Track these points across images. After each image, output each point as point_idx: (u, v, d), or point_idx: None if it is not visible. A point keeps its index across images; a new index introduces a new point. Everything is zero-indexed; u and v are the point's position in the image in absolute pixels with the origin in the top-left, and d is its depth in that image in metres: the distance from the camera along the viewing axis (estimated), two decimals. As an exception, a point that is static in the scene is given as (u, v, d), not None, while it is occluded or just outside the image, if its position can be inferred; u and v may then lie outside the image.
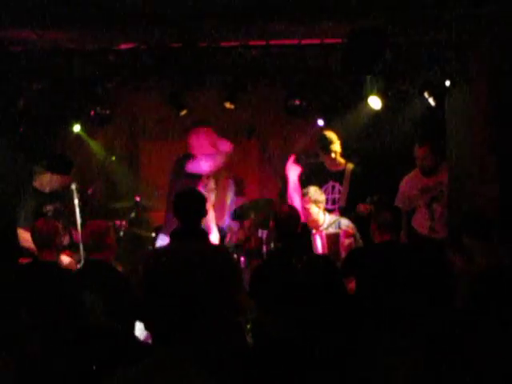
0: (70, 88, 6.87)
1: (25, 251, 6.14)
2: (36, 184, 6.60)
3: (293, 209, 5.54)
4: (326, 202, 7.01)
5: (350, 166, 7.22)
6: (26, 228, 6.15)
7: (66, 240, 6.36)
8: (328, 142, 7.20)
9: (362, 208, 6.80)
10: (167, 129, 8.62)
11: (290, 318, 4.57)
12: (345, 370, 4.15)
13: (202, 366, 2.74)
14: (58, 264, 5.36)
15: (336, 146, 7.18)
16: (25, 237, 6.13)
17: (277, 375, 3.94)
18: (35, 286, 4.88)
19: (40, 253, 5.20)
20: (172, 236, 4.94)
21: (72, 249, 6.28)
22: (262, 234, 7.36)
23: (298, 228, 5.25)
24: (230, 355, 4.25)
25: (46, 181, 6.62)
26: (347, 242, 6.35)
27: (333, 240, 6.40)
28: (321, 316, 4.62)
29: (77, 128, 7.76)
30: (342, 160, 7.26)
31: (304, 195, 6.61)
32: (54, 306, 4.71)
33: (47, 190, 6.60)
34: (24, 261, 5.90)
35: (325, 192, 7.05)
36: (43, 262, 5.16)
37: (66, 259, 6.13)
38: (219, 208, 7.74)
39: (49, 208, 6.50)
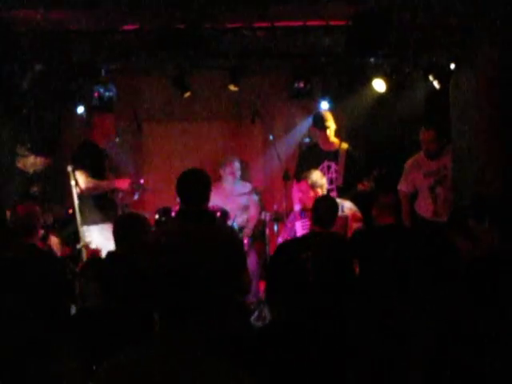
0: (73, 69, 6.86)
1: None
2: (20, 165, 6.60)
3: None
4: (324, 183, 7.02)
5: (345, 145, 7.22)
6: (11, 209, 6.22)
7: (49, 219, 6.37)
8: (323, 119, 7.20)
9: (361, 186, 6.80)
10: (171, 111, 8.59)
11: (302, 302, 4.56)
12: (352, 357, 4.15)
13: (206, 348, 2.74)
14: (38, 246, 5.30)
15: (331, 123, 7.17)
16: None
17: (282, 358, 3.95)
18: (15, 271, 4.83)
19: (21, 238, 5.14)
20: (176, 217, 4.92)
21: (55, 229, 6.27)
22: (265, 216, 7.36)
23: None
24: (234, 337, 4.25)
25: (30, 162, 6.63)
26: (355, 226, 6.33)
27: (341, 223, 6.39)
28: (332, 301, 4.62)
29: (80, 110, 7.75)
30: (335, 139, 7.25)
31: (302, 179, 6.58)
32: (42, 290, 4.68)
33: (31, 171, 6.60)
34: None
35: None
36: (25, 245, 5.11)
37: (54, 240, 6.15)
38: (224, 192, 7.74)
39: (34, 189, 6.51)
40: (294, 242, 5.48)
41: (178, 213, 5.00)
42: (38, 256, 4.99)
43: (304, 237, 5.57)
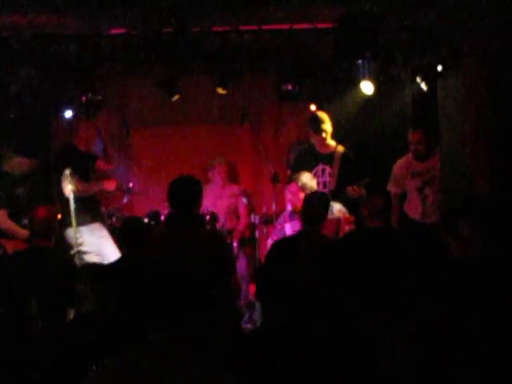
0: (61, 74, 6.85)
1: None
2: (6, 167, 6.58)
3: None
4: (317, 185, 7.01)
5: (340, 148, 7.20)
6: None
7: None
8: (319, 121, 7.17)
9: (351, 191, 6.78)
10: (159, 114, 8.59)
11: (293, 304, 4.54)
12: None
13: (197, 352, 2.74)
14: (53, 250, 5.37)
15: (327, 126, 7.14)
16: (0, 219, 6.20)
17: (273, 362, 3.94)
18: (32, 272, 4.88)
19: (37, 240, 5.20)
20: (166, 221, 4.93)
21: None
22: (255, 219, 7.36)
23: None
24: (225, 341, 4.25)
25: (16, 164, 6.60)
26: (347, 228, 6.34)
27: (334, 226, 6.39)
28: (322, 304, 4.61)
29: (68, 114, 7.73)
30: (332, 142, 7.24)
31: (292, 180, 6.58)
32: (50, 292, 4.72)
33: (17, 173, 6.58)
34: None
35: (315, 175, 7.05)
36: (40, 248, 5.16)
37: None
38: (213, 194, 7.74)
39: (20, 191, 6.50)
40: (285, 243, 5.47)
41: (166, 217, 5.02)
42: (53, 259, 5.09)
43: (295, 237, 5.57)
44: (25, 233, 6.12)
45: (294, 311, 4.08)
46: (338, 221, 6.38)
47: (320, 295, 4.32)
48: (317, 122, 7.18)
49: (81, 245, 6.23)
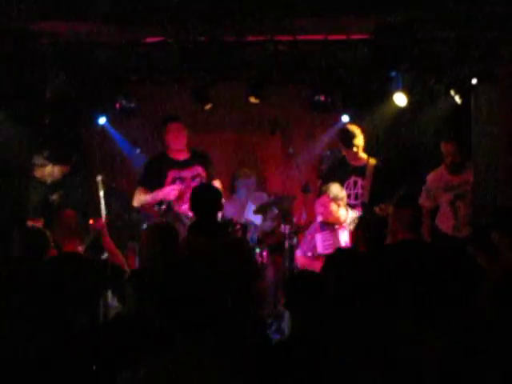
0: (96, 80, 6.93)
1: None
2: (37, 175, 6.65)
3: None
4: (349, 197, 7.00)
5: (373, 161, 7.17)
6: (34, 219, 6.27)
7: None
8: (350, 136, 7.14)
9: (378, 211, 6.76)
10: (192, 122, 8.63)
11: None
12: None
13: (223, 361, 2.75)
14: (81, 254, 5.42)
15: (358, 140, 7.11)
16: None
17: (299, 373, 3.93)
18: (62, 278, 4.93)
19: (67, 243, 5.25)
20: (189, 230, 4.97)
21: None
22: (285, 229, 7.36)
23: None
24: (251, 350, 4.25)
25: (48, 172, 6.67)
26: None
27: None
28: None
29: (102, 120, 7.81)
30: (364, 155, 7.22)
31: (323, 192, 6.57)
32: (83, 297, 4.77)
33: (49, 180, 6.65)
34: None
35: (347, 187, 7.05)
36: (69, 254, 5.22)
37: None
38: (239, 204, 7.78)
39: (53, 197, 6.57)
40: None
41: (190, 226, 5.08)
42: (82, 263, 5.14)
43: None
44: None
45: (325, 321, 4.07)
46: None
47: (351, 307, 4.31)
48: (348, 137, 7.15)
49: None
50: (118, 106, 7.43)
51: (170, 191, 6.94)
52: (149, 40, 6.29)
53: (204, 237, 4.85)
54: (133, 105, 7.49)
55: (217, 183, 6.93)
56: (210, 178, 7.14)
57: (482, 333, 3.73)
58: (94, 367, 3.39)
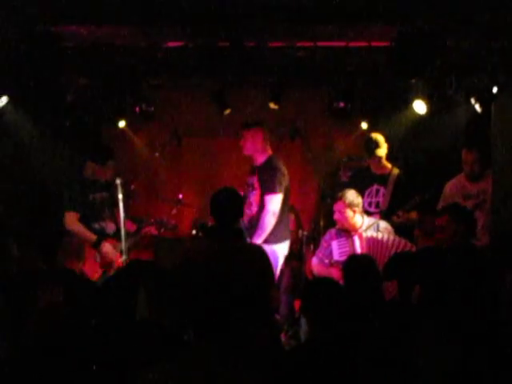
0: (116, 84, 6.97)
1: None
2: (84, 173, 6.72)
3: None
4: (370, 205, 6.99)
5: (396, 170, 7.15)
6: (70, 212, 6.34)
7: (111, 228, 6.51)
8: (374, 145, 7.11)
9: (396, 219, 6.74)
10: (211, 127, 8.67)
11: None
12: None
13: (237, 363, 2.75)
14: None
15: (382, 150, 7.07)
16: (69, 220, 6.32)
17: (313, 379, 3.92)
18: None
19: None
20: (207, 234, 4.96)
21: (117, 238, 6.38)
22: (302, 235, 7.36)
23: None
24: (263, 352, 4.25)
25: (90, 170, 6.73)
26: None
27: (374, 243, 6.37)
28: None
29: (121, 124, 7.85)
30: (387, 164, 7.20)
31: (339, 198, 6.55)
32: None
33: (91, 179, 6.71)
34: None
35: (368, 195, 7.04)
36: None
37: (107, 246, 6.28)
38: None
39: (95, 197, 6.61)
40: None
41: (208, 230, 5.06)
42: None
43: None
44: (93, 237, 6.26)
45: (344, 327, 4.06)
46: (378, 240, 6.35)
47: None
48: (372, 146, 7.11)
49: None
50: (137, 109, 7.46)
51: None
52: (169, 44, 6.32)
53: (220, 241, 4.83)
54: (152, 108, 7.52)
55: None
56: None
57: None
58: (94, 367, 3.39)
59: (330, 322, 4.08)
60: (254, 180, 6.82)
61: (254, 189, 6.82)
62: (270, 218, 6.55)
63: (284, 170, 6.74)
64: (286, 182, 6.69)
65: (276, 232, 6.62)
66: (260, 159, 6.82)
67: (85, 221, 6.43)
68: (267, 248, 6.36)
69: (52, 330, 3.78)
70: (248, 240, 6.72)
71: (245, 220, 6.75)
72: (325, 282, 4.78)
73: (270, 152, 6.82)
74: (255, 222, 6.65)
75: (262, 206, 6.65)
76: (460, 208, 5.68)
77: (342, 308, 4.18)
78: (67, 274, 5.09)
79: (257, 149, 6.81)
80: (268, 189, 6.63)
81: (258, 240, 6.52)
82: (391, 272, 5.35)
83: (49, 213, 7.14)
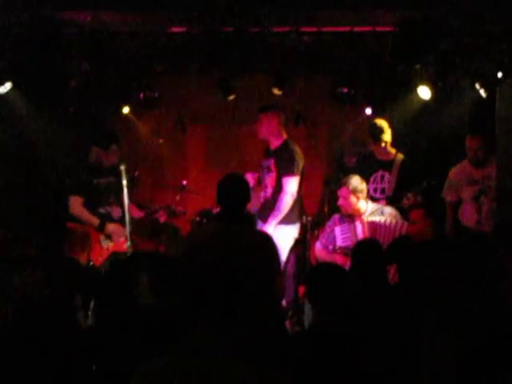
0: (119, 70, 6.95)
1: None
2: (91, 157, 6.74)
3: None
4: (375, 192, 7.00)
5: (400, 156, 7.16)
6: (74, 196, 6.37)
7: (117, 213, 6.53)
8: (378, 131, 7.13)
9: (406, 203, 6.74)
10: (215, 113, 8.65)
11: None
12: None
13: (240, 351, 2.76)
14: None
15: (386, 136, 7.10)
16: (73, 204, 6.34)
17: (317, 365, 3.93)
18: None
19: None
20: (214, 219, 4.95)
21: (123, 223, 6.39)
22: (306, 220, 7.35)
23: None
24: (267, 339, 4.25)
25: (94, 155, 6.74)
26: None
27: (376, 227, 6.37)
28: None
29: (125, 110, 7.84)
30: (392, 149, 7.20)
31: (343, 184, 6.55)
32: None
33: (97, 163, 6.72)
34: (70, 226, 6.22)
35: (374, 181, 7.05)
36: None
37: (112, 226, 6.31)
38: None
39: (100, 181, 6.63)
40: None
41: (215, 216, 5.05)
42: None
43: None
44: (96, 221, 6.28)
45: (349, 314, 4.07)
46: (382, 225, 6.35)
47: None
48: (377, 132, 7.14)
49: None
50: (141, 95, 7.45)
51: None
52: (173, 30, 6.30)
53: (227, 227, 4.81)
54: (156, 95, 7.50)
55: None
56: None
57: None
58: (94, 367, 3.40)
59: (334, 307, 4.09)
60: (271, 162, 6.87)
61: (270, 171, 6.87)
62: (289, 200, 6.62)
63: (300, 153, 6.83)
64: (302, 164, 6.71)
65: (290, 213, 6.66)
66: (275, 143, 6.90)
67: (90, 205, 6.46)
68: (279, 228, 6.41)
69: (28, 318, 3.77)
70: (260, 223, 6.76)
71: (258, 203, 6.80)
72: (329, 266, 4.78)
73: (285, 136, 6.87)
74: (270, 204, 6.69)
75: (278, 188, 6.71)
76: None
77: (346, 293, 4.19)
78: (53, 261, 5.11)
79: (272, 132, 6.88)
80: (286, 170, 6.70)
81: (274, 220, 6.58)
82: (392, 256, 5.34)
83: (52, 199, 7.16)
